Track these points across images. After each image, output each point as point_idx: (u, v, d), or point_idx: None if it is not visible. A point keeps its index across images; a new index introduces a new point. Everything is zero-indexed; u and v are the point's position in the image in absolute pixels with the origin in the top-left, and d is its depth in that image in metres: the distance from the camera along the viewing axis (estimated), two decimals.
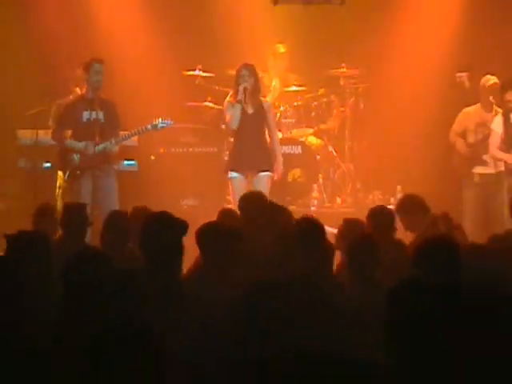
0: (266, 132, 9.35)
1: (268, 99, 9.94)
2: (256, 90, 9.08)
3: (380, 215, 6.46)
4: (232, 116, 9.12)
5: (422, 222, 6.74)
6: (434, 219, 6.71)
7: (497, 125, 9.49)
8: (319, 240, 5.49)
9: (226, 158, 10.44)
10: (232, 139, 10.14)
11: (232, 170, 9.15)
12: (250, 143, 9.15)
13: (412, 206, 7.03)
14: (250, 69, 9.13)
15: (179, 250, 4.73)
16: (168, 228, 4.80)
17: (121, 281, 4.35)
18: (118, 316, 4.03)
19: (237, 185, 9.11)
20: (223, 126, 10.31)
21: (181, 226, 4.75)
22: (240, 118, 9.10)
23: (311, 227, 5.64)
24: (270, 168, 9.12)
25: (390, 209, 6.98)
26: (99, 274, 4.19)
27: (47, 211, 7.02)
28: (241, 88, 9.04)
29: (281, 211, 6.53)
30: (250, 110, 9.08)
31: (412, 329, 3.16)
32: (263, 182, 9.06)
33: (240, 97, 9.05)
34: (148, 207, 6.57)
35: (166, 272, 4.66)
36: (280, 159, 9.37)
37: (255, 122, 9.12)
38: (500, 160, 9.55)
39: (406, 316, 3.19)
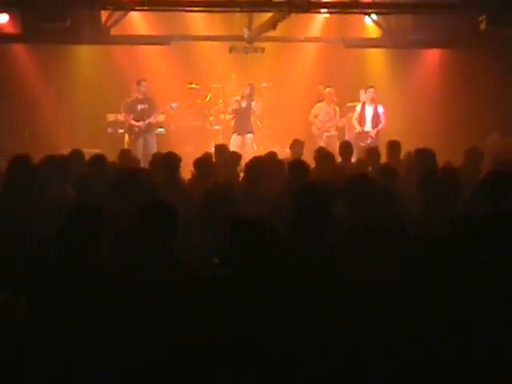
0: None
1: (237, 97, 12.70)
2: (248, 95, 12.54)
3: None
4: (233, 107, 12.66)
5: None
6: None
7: (358, 107, 12.35)
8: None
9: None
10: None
11: (234, 133, 12.38)
12: (243, 120, 12.46)
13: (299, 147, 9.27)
14: (248, 86, 12.62)
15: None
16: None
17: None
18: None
19: (236, 141, 12.13)
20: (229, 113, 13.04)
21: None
22: (238, 108, 12.46)
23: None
24: (252, 131, 12.48)
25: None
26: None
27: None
28: (240, 93, 12.69)
29: (231, 154, 8.50)
30: (244, 105, 12.57)
31: (308, 213, 4.00)
32: (249, 140, 12.35)
33: (238, 98, 12.66)
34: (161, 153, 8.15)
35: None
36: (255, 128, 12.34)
37: (245, 110, 12.55)
38: (354, 127, 12.32)
39: (306, 204, 4.11)
